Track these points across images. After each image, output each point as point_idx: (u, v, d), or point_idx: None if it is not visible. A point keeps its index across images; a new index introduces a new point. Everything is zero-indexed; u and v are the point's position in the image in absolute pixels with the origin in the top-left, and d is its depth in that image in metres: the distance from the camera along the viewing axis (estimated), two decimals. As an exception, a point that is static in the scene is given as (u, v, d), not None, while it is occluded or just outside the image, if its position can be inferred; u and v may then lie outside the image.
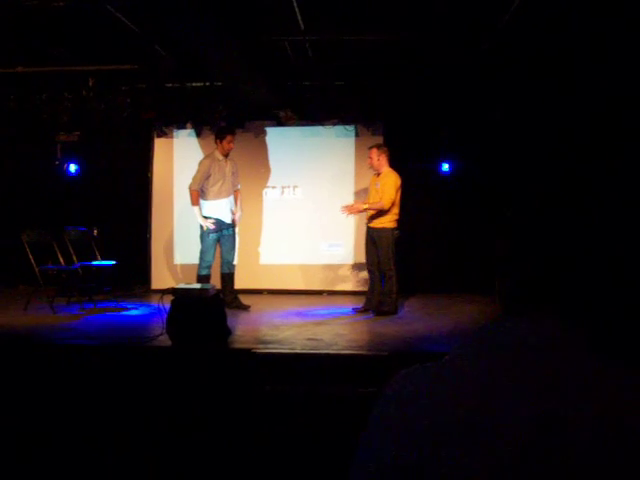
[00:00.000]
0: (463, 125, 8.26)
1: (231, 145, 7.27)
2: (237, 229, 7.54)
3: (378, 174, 6.99)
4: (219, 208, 7.28)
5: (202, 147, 8.87)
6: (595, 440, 0.77)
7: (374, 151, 6.98)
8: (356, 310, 7.16)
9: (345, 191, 8.84)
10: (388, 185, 6.79)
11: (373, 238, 6.93)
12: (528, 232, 0.93)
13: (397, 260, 6.92)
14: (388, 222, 6.85)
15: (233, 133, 7.38)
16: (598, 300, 0.88)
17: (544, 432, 0.78)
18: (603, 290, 0.88)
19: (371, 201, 6.96)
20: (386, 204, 6.75)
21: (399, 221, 6.93)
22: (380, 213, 6.84)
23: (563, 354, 0.83)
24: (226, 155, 7.30)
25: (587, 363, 0.82)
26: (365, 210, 6.98)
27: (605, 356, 0.83)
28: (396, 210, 6.87)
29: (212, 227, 7.19)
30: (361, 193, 8.60)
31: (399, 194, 6.87)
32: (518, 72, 7.31)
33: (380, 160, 6.92)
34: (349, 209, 7.05)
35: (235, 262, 7.52)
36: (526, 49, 6.79)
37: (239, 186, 7.58)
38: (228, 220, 7.35)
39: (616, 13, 5.63)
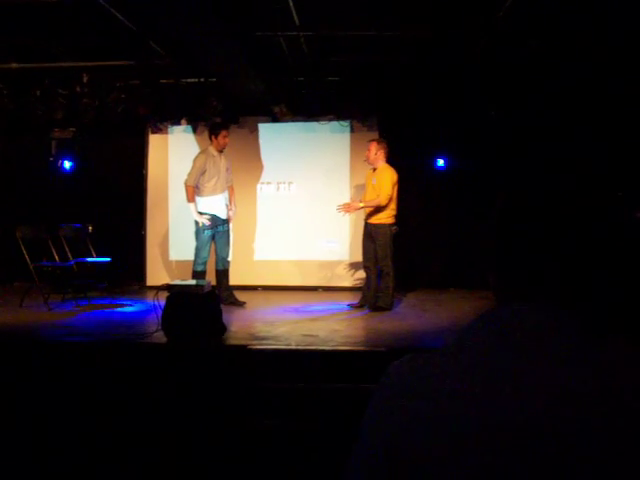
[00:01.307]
0: (458, 121, 8.25)
1: (226, 140, 7.25)
2: (231, 225, 7.53)
3: (374, 169, 6.98)
4: (214, 204, 7.26)
5: (197, 143, 8.85)
6: (596, 422, 0.77)
7: (373, 144, 6.96)
8: (352, 306, 7.16)
9: (340, 187, 8.83)
10: (385, 181, 6.77)
11: (371, 234, 6.92)
12: (515, 226, 0.93)
13: (394, 256, 6.93)
14: (386, 218, 6.84)
15: (227, 128, 7.37)
16: (589, 286, 0.88)
17: (542, 421, 0.78)
18: (593, 276, 0.88)
19: (368, 197, 6.95)
20: (383, 200, 6.74)
21: (396, 217, 6.93)
22: (378, 209, 6.82)
23: (558, 339, 0.83)
24: (221, 151, 7.28)
25: (582, 347, 0.82)
26: (362, 208, 6.97)
27: (600, 339, 0.83)
28: (393, 206, 6.86)
29: (207, 223, 7.17)
30: (356, 189, 8.60)
31: (396, 189, 6.86)
32: (514, 70, 7.32)
33: (378, 155, 6.90)
34: (346, 208, 7.03)
35: (229, 258, 7.51)
36: (521, 46, 6.78)
37: (232, 182, 7.56)
38: (223, 216, 7.34)
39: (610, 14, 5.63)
